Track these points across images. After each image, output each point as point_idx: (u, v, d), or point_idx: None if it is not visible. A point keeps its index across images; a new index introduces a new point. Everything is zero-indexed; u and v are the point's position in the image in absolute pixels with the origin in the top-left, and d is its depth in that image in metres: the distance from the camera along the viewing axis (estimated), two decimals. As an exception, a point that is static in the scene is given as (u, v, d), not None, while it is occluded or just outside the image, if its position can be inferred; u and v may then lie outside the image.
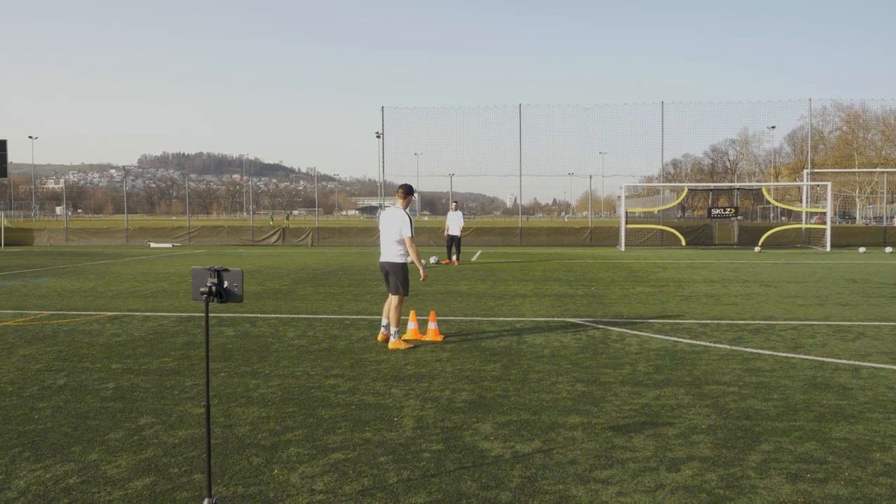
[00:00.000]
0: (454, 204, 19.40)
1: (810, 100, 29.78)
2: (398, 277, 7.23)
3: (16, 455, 4.06)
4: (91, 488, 3.57)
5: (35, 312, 9.75)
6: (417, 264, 7.28)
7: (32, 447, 4.19)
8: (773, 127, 46.94)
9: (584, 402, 5.15)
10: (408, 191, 7.49)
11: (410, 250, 7.19)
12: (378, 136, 31.36)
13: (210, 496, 3.17)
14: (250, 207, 41.15)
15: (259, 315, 9.41)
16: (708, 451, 4.14)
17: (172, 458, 4.00)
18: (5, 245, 29.17)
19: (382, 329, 7.41)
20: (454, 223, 18.65)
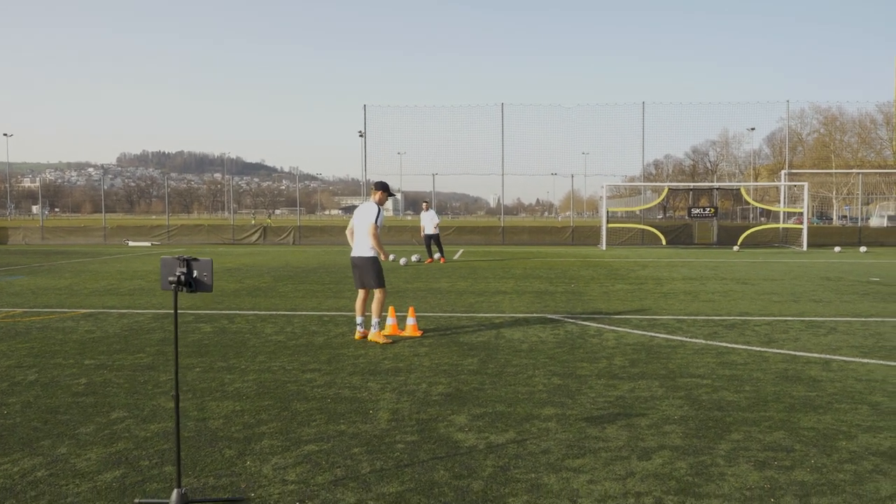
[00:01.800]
0: (425, 204, 19.37)
1: (788, 101, 30.19)
2: (371, 271, 7.27)
3: (-17, 449, 4.00)
4: (59, 481, 3.53)
5: (7, 310, 9.60)
6: (377, 248, 7.25)
7: (0, 442, 4.13)
8: (753, 129, 47.54)
9: (560, 395, 5.19)
10: (378, 186, 7.50)
11: (371, 238, 7.20)
12: (361, 135, 31.22)
13: (179, 486, 3.15)
14: (231, 207, 40.70)
15: (237, 312, 9.35)
16: (679, 440, 4.19)
17: (143, 451, 3.97)
18: (-21, 243, 28.66)
19: (358, 328, 7.41)
20: (428, 222, 18.71)
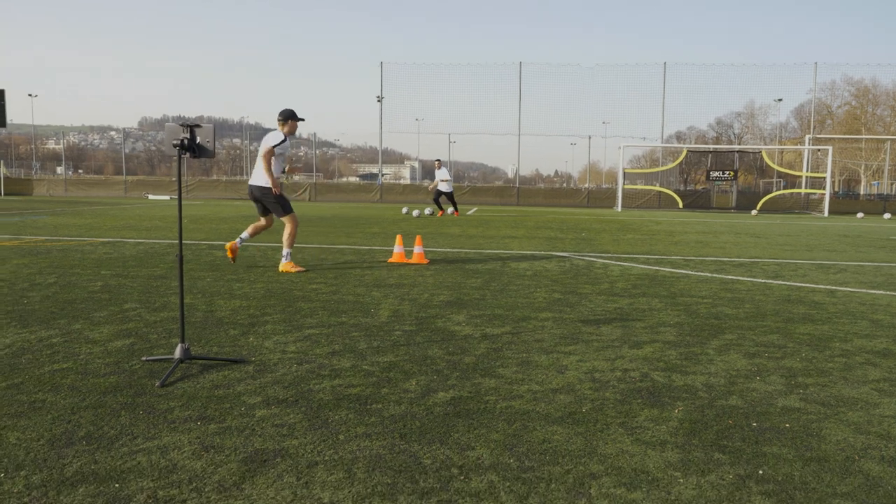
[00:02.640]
0: (437, 162, 19.35)
1: (816, 63, 29.48)
2: (272, 199, 6.80)
3: (3, 324, 4.20)
4: (72, 345, 3.71)
5: (31, 237, 9.88)
6: (268, 177, 6.69)
7: (20, 319, 4.32)
8: (780, 100, 46.34)
9: (559, 305, 5.28)
10: (287, 115, 6.81)
11: (263, 161, 6.68)
12: (379, 100, 31.04)
13: (183, 341, 3.30)
14: (249, 172, 41.03)
15: (250, 244, 9.53)
16: (672, 337, 4.27)
17: (152, 329, 4.14)
18: (5, 194, 29.26)
19: (237, 241, 6.93)
20: (441, 179, 18.73)
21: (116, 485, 2.09)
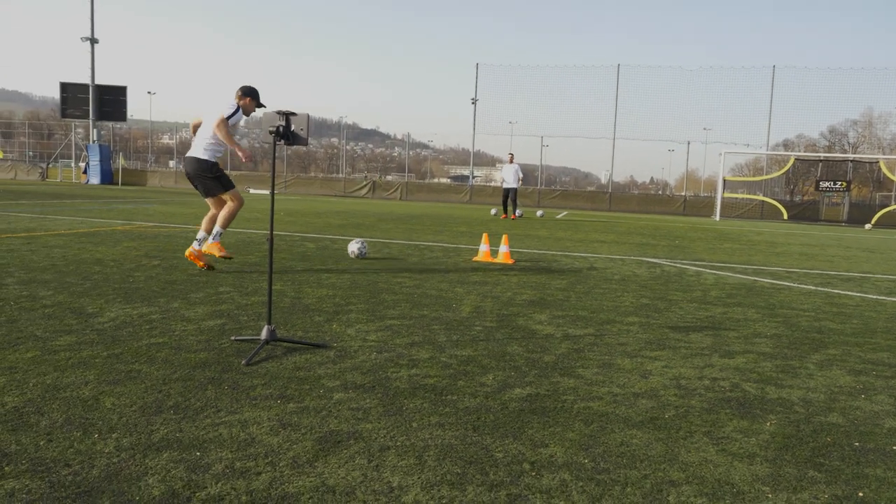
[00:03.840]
0: (510, 156, 18.32)
1: (946, 68, 26.97)
2: (209, 175, 5.88)
3: (110, 299, 4.51)
4: (169, 322, 3.93)
5: (141, 223, 10.60)
6: (231, 144, 5.68)
7: (125, 296, 4.63)
8: (903, 105, 42.73)
9: (647, 310, 5.09)
10: (247, 92, 5.86)
11: (218, 129, 5.65)
12: (473, 102, 31.16)
13: (269, 324, 3.42)
14: (345, 170, 42.36)
15: (340, 237, 9.80)
16: (768, 349, 4.01)
17: (243, 311, 4.32)
18: (122, 184, 31.60)
19: (194, 245, 6.02)
20: (510, 176, 17.69)
21: (197, 453, 2.18)
